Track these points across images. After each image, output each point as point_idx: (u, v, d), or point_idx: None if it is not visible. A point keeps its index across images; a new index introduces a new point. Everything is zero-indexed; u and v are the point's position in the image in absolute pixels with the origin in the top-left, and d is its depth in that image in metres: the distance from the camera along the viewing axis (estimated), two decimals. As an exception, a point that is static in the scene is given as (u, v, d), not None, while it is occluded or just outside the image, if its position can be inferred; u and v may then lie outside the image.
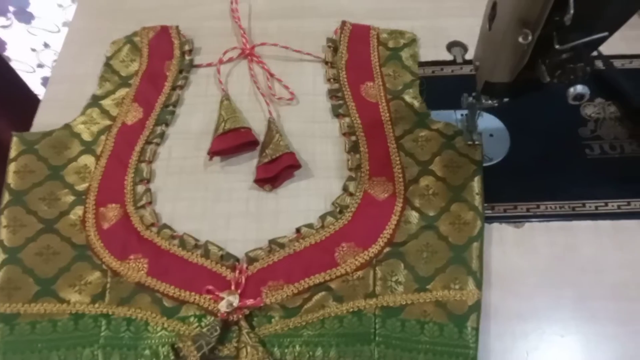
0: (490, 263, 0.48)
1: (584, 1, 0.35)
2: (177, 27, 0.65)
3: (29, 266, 0.48)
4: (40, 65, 1.25)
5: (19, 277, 0.47)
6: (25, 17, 1.15)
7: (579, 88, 0.37)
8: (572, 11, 0.34)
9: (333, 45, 0.63)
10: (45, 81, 1.28)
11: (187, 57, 0.63)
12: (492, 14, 0.42)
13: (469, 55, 0.62)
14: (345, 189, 0.52)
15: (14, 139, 0.55)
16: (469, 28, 0.64)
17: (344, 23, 0.64)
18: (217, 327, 0.44)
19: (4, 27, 1.17)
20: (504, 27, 0.40)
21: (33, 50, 1.21)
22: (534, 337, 0.45)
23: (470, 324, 0.44)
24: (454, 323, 0.44)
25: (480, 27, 0.45)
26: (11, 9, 1.13)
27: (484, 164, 0.53)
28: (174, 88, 0.60)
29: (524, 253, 0.49)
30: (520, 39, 0.38)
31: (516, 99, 0.46)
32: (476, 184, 0.50)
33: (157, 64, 0.62)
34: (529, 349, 0.44)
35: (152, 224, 0.50)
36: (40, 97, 1.12)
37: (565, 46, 0.36)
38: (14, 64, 1.21)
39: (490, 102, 0.48)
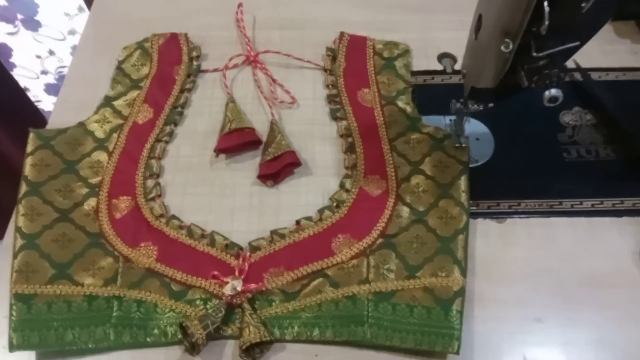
0: (474, 253, 0.52)
1: (558, 14, 0.39)
2: (185, 34, 0.69)
3: (45, 251, 0.51)
4: (44, 72, 1.29)
5: (36, 261, 0.50)
6: (32, 24, 1.19)
7: (554, 91, 0.42)
8: (547, 22, 0.39)
9: (332, 54, 0.67)
10: (48, 87, 1.32)
11: (194, 63, 0.67)
12: (477, 25, 0.47)
13: (458, 66, 0.67)
14: (341, 185, 0.56)
15: (31, 135, 0.59)
16: (457, 41, 0.68)
17: (342, 34, 0.68)
18: (222, 309, 0.47)
19: (11, 34, 1.21)
20: (488, 37, 0.45)
21: (38, 57, 1.25)
22: (514, 321, 0.48)
23: (456, 307, 0.47)
24: (441, 306, 0.47)
25: (468, 38, 0.50)
26: (19, 16, 1.17)
27: (470, 165, 0.57)
28: (182, 91, 0.64)
29: (505, 244, 0.53)
30: (503, 48, 0.43)
31: (499, 102, 0.51)
32: (462, 183, 0.54)
33: (166, 68, 0.66)
34: (509, 332, 0.48)
35: (162, 215, 0.54)
36: (42, 104, 1.16)
37: (542, 54, 0.41)
38: (18, 70, 1.25)
39: (476, 106, 0.52)
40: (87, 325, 0.48)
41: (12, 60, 1.24)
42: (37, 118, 1.11)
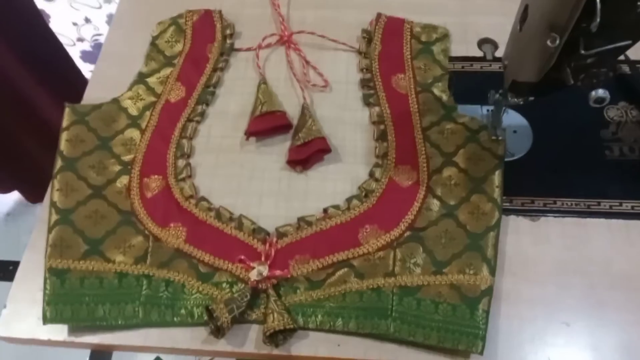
0: (504, 250, 0.51)
1: (610, 11, 0.37)
2: (219, 11, 0.68)
3: (79, 227, 0.52)
4: (80, 40, 1.30)
5: (70, 236, 0.52)
6: (69, -8, 1.19)
7: (600, 92, 0.40)
8: (598, 19, 0.37)
9: (367, 37, 0.65)
10: (84, 55, 1.34)
11: (228, 41, 0.66)
12: (523, 16, 0.44)
13: (499, 53, 0.64)
14: (371, 174, 0.55)
15: (67, 110, 0.60)
16: (499, 26, 0.66)
17: (379, 15, 0.66)
18: (247, 294, 0.48)
19: (49, 0, 1.22)
20: (533, 30, 0.42)
21: (74, 24, 1.26)
22: (541, 322, 0.48)
23: (482, 306, 0.47)
24: (467, 305, 0.47)
25: (512, 27, 0.48)
26: (57, -17, 1.17)
27: (506, 159, 0.55)
28: (214, 70, 0.64)
29: (537, 243, 0.51)
30: (548, 43, 0.41)
31: (541, 97, 0.49)
32: (496, 178, 0.53)
33: (199, 46, 0.65)
34: (535, 333, 0.47)
35: (191, 196, 0.54)
36: (80, 69, 1.17)
37: (590, 52, 0.39)
38: (55, 37, 1.26)
39: (516, 99, 0.50)
40: (118, 301, 0.49)
41: (49, 26, 1.25)
42: (81, 85, 1.13)
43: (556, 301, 0.49)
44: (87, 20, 1.25)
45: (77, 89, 1.10)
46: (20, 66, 0.99)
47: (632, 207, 0.53)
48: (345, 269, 0.50)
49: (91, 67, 1.37)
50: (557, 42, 0.40)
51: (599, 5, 0.36)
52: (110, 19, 1.23)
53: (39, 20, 1.01)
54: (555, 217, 0.53)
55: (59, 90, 1.08)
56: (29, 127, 1.08)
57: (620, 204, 0.53)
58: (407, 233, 0.51)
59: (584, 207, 0.53)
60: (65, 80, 1.10)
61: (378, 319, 0.47)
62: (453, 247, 0.50)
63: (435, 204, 0.52)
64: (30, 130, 1.09)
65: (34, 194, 1.26)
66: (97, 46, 1.31)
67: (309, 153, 0.56)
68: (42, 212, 0.55)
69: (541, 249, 0.51)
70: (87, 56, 1.33)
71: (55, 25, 1.26)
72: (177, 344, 0.48)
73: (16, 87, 1.00)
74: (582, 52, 0.39)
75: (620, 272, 0.49)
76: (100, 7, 1.21)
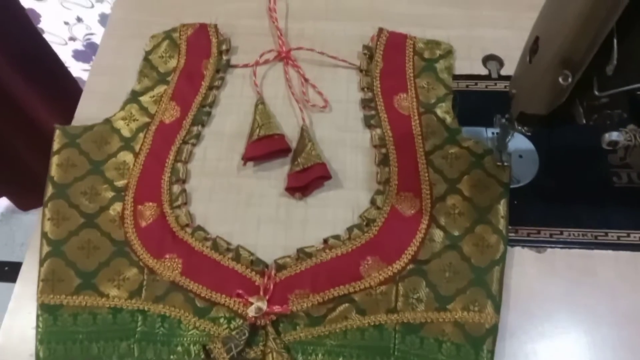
0: (509, 284, 0.50)
1: (627, 52, 0.35)
2: (215, 25, 0.66)
3: (71, 259, 0.51)
4: (72, 39, 1.27)
5: (62, 269, 0.50)
6: (60, -10, 1.16)
7: (615, 135, 0.38)
8: (615, 62, 0.35)
9: (369, 53, 0.63)
10: (76, 54, 1.31)
11: (224, 57, 0.64)
12: (533, 48, 0.42)
13: (505, 71, 0.62)
14: (373, 202, 0.54)
15: (57, 132, 0.57)
16: (505, 41, 0.64)
17: (380, 30, 0.64)
18: (246, 331, 0.46)
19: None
20: (545, 64, 0.41)
21: (66, 23, 1.23)
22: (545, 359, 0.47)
23: (487, 346, 0.46)
24: (471, 344, 0.46)
25: (520, 57, 0.46)
26: (47, -19, 1.14)
27: (512, 186, 0.53)
28: (210, 88, 0.61)
29: (543, 276, 0.50)
30: (560, 80, 0.39)
31: (550, 129, 0.47)
32: (502, 207, 0.51)
33: (194, 62, 0.63)
34: (541, 372, 0.46)
35: (187, 225, 0.53)
36: (70, 70, 1.14)
37: (605, 93, 0.37)
38: (46, 37, 1.23)
39: (523, 130, 0.48)
40: (112, 338, 0.48)
41: (40, 25, 1.22)
42: (70, 84, 1.10)
43: (561, 338, 0.48)
44: (79, 20, 1.21)
45: (66, 89, 1.08)
46: (7, 66, 0.96)
47: (640, 238, 0.51)
48: (347, 304, 0.48)
49: (84, 65, 1.34)
50: (570, 80, 0.39)
51: (615, 48, 0.34)
52: (102, 18, 1.20)
53: (26, 19, 0.97)
54: (561, 248, 0.51)
55: (47, 89, 1.05)
56: (16, 128, 1.05)
57: (628, 235, 0.52)
58: (410, 266, 0.49)
59: (591, 237, 0.52)
60: (53, 78, 1.06)
61: (380, 359, 0.46)
62: (457, 281, 0.49)
63: (438, 235, 0.51)
64: (18, 132, 1.06)
65: (25, 200, 1.23)
66: (90, 45, 1.28)
67: (309, 180, 0.54)
68: (33, 241, 0.53)
69: (547, 282, 0.50)
70: (79, 55, 1.30)
71: (46, 25, 1.23)
72: (173, 383, 0.47)
73: (3, 86, 0.97)
74: (596, 92, 0.37)
75: (626, 309, 0.48)
76: (92, 7, 1.18)
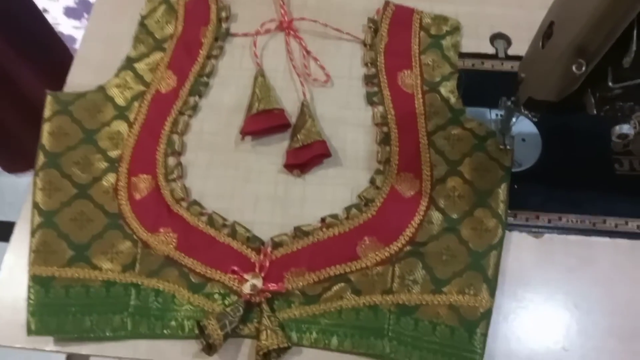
0: (505, 269, 0.50)
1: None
2: (215, -10, 0.63)
3: (64, 231, 0.50)
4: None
5: (54, 241, 0.49)
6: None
7: (625, 128, 0.37)
8: (633, 55, 0.33)
9: (373, 27, 0.61)
10: (67, 11, 1.26)
11: (223, 25, 0.61)
12: (547, 33, 0.41)
13: (512, 50, 0.60)
14: (372, 181, 0.53)
15: (48, 98, 0.56)
16: (514, 19, 0.62)
17: (387, 3, 0.62)
18: (240, 308, 0.46)
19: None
20: (558, 50, 0.39)
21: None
22: (539, 346, 0.47)
23: (480, 330, 0.46)
24: (465, 328, 0.46)
25: (532, 40, 0.44)
26: None
27: (513, 169, 0.53)
28: (208, 57, 0.59)
29: (539, 262, 0.50)
30: (574, 68, 0.38)
31: (558, 115, 0.46)
32: (502, 192, 0.51)
33: (192, 29, 0.61)
34: (532, 356, 0.47)
35: (182, 199, 0.52)
36: (61, 27, 1.10)
37: (619, 85, 0.36)
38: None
39: (530, 115, 0.47)
40: (105, 312, 0.47)
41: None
42: (55, 42, 1.06)
43: (556, 325, 0.48)
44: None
45: (56, 54, 1.03)
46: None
47: (638, 227, 0.51)
48: (342, 284, 0.48)
49: (75, 23, 1.30)
50: (584, 69, 0.37)
51: (635, 40, 0.33)
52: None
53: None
54: (559, 234, 0.51)
55: (35, 54, 1.01)
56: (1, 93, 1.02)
57: (626, 223, 0.51)
58: (407, 248, 0.49)
59: (589, 224, 0.51)
60: (42, 44, 1.02)
61: (374, 339, 0.46)
62: (454, 265, 0.48)
63: (437, 217, 0.50)
64: (3, 96, 1.03)
65: (12, 164, 1.20)
66: (82, 2, 1.23)
67: (308, 157, 0.53)
68: (24, 212, 0.52)
69: (543, 268, 0.50)
70: (70, 12, 1.25)
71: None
72: (166, 358, 0.47)
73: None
74: (610, 84, 0.36)
75: (622, 297, 0.48)
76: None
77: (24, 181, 1.30)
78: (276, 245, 0.50)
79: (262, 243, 0.50)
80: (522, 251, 0.51)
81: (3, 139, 1.09)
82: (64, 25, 1.29)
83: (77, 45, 1.17)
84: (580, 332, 0.48)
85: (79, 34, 1.28)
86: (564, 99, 0.42)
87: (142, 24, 0.61)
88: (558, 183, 0.53)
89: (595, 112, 0.38)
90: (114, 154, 0.54)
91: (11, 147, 1.11)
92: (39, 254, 0.49)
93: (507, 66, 0.59)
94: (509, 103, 0.51)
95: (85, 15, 1.23)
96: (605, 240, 0.51)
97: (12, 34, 0.94)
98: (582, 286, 0.49)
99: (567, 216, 0.52)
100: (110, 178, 0.52)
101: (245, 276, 0.48)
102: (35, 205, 0.50)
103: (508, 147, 0.53)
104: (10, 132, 1.08)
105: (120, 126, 0.55)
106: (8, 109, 1.02)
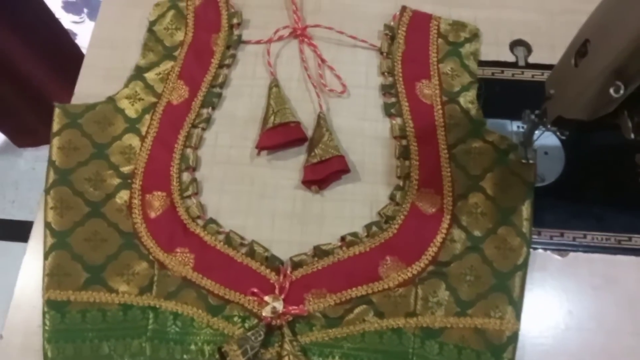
0: (530, 288, 0.49)
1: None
2: (226, -5, 0.61)
3: (78, 252, 0.48)
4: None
5: (68, 263, 0.48)
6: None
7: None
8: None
9: (390, 33, 0.59)
10: (66, 5, 1.23)
11: (235, 32, 0.59)
12: (581, 51, 0.39)
13: (533, 58, 0.59)
14: (392, 198, 0.51)
15: (57, 111, 0.54)
16: (534, 24, 0.61)
17: (403, 9, 0.60)
18: (262, 332, 0.45)
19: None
20: (594, 71, 0.38)
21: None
22: (564, 368, 0.46)
23: (507, 355, 0.45)
24: (491, 352, 0.45)
25: (562, 56, 0.43)
26: None
27: (536, 184, 0.51)
28: (220, 66, 0.58)
29: (563, 282, 0.49)
30: (611, 91, 0.36)
31: (587, 133, 0.45)
32: (526, 209, 0.50)
33: (203, 37, 0.59)
34: (557, 379, 0.46)
35: (198, 217, 0.50)
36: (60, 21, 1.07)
37: (661, 111, 0.35)
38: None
39: (557, 133, 0.46)
40: (123, 337, 0.46)
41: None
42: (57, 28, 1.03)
43: (578, 348, 0.47)
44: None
45: (57, 39, 1.00)
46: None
47: (664, 244, 0.50)
48: (364, 306, 0.47)
49: (74, 17, 1.27)
50: (622, 92, 0.36)
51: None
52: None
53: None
54: (584, 252, 0.50)
55: (34, 38, 0.98)
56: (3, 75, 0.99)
57: (652, 240, 0.50)
58: (430, 268, 0.48)
59: (615, 242, 0.50)
60: (43, 29, 0.99)
61: (398, 363, 0.46)
62: (478, 286, 0.47)
63: (460, 236, 0.49)
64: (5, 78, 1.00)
65: (21, 137, 1.16)
66: (81, -3, 1.20)
67: (326, 174, 0.52)
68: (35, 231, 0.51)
69: (567, 288, 0.49)
70: (69, 7, 1.22)
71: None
72: (187, 384, 0.46)
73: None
74: (651, 110, 0.35)
75: (647, 317, 0.48)
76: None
77: (26, 174, 1.27)
78: (296, 265, 0.48)
79: (281, 263, 0.49)
80: (545, 270, 0.50)
81: (10, 115, 1.06)
82: (63, 20, 1.26)
83: (76, 41, 1.15)
84: (606, 354, 0.47)
85: (78, 29, 1.26)
86: (596, 119, 0.41)
87: (150, 31, 0.59)
88: (582, 198, 0.52)
89: (632, 136, 0.37)
90: (126, 169, 0.52)
91: (17, 123, 1.07)
92: (53, 278, 0.47)
93: (528, 75, 0.58)
94: (532, 116, 0.50)
95: (85, 10, 1.20)
96: (631, 259, 0.50)
97: (14, 21, 0.91)
98: (605, 306, 0.48)
99: (592, 233, 0.51)
100: (124, 195, 0.51)
101: (266, 298, 0.47)
102: (47, 225, 0.49)
103: (530, 160, 0.52)
104: (15, 111, 1.04)
105: (132, 140, 0.53)
106: (7, 90, 0.99)
